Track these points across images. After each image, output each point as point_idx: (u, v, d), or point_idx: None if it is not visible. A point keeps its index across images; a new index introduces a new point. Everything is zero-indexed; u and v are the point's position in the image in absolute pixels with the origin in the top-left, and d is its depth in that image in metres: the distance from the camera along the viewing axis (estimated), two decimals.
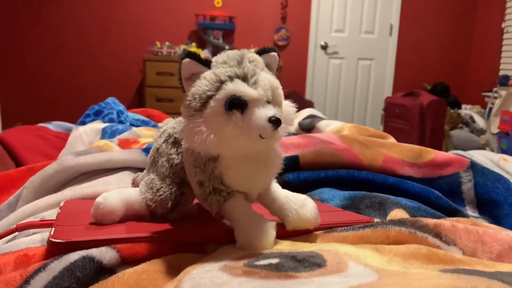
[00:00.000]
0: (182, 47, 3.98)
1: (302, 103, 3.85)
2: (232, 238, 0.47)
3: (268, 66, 0.47)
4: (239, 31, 4.36)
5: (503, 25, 4.24)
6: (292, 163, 0.78)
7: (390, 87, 4.69)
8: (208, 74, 0.44)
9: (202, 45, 4.23)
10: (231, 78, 0.43)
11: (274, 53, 0.47)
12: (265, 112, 0.42)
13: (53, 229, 0.47)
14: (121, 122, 1.40)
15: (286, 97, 0.48)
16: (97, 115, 1.40)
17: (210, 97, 0.42)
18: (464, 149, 2.94)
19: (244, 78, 0.43)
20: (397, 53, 4.64)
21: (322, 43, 4.51)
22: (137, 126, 1.41)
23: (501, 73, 4.21)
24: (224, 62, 0.44)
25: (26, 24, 4.07)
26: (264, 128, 0.42)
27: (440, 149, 3.49)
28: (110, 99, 1.49)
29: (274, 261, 0.40)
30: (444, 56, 4.72)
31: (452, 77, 4.71)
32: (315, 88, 4.59)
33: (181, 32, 4.29)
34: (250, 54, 0.45)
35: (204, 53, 4.05)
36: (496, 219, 0.69)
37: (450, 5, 4.62)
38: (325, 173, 0.77)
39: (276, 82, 0.45)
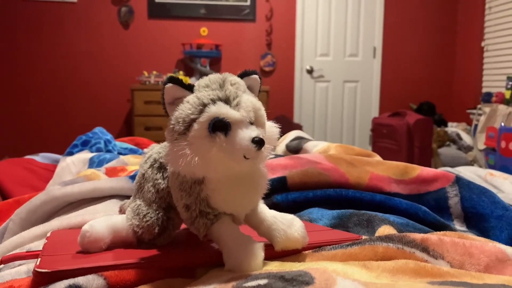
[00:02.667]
0: (170, 75, 4.01)
1: (291, 126, 3.88)
2: (221, 261, 0.47)
3: (250, 88, 0.48)
4: (225, 58, 4.41)
5: (482, 44, 4.35)
6: (280, 184, 0.79)
7: (377, 108, 4.75)
8: (191, 98, 0.44)
9: (189, 73, 4.27)
10: (213, 101, 0.43)
11: (256, 76, 0.48)
12: (248, 133, 0.43)
13: (39, 259, 0.47)
14: (108, 151, 1.40)
15: (275, 121, 0.49)
16: (85, 145, 1.39)
17: (193, 120, 0.43)
18: (453, 166, 2.97)
19: (227, 101, 0.44)
20: (381, 74, 4.72)
21: (308, 67, 4.58)
22: (125, 154, 1.41)
23: (484, 90, 4.30)
24: (206, 85, 0.45)
25: (12, 56, 4.09)
26: (248, 148, 0.42)
27: (429, 167, 3.51)
28: (97, 129, 1.49)
29: (263, 282, 0.40)
30: (428, 76, 4.81)
31: (437, 96, 4.79)
32: (303, 112, 4.63)
33: (168, 60, 4.33)
34: (232, 77, 0.46)
35: (191, 81, 4.07)
36: (483, 232, 0.70)
37: (431, 26, 4.74)
38: (313, 193, 0.77)
39: (259, 104, 0.46)
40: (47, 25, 4.11)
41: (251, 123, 0.44)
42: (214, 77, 0.46)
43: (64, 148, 2.22)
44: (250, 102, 0.45)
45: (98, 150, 1.37)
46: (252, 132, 0.43)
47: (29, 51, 4.11)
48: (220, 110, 0.43)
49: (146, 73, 3.99)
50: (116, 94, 4.27)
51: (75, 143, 1.40)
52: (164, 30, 4.29)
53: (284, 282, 0.39)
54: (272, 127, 0.48)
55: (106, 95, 4.26)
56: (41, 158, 1.43)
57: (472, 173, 1.33)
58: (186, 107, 0.44)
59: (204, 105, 0.43)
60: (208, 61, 4.21)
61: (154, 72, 4.01)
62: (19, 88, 4.13)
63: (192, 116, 0.43)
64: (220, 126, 0.43)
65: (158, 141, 0.61)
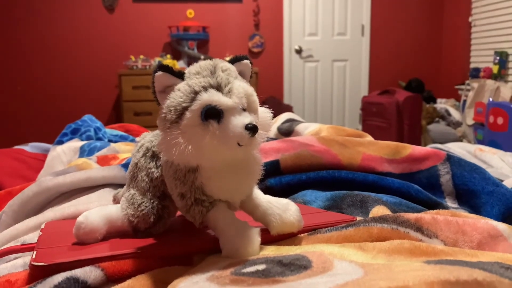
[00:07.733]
0: (157, 59, 3.96)
1: (281, 107, 3.86)
2: (218, 248, 0.47)
3: (241, 74, 0.47)
4: (213, 40, 4.36)
5: (470, 19, 4.35)
6: (273, 168, 0.79)
7: (366, 86, 4.76)
8: (182, 86, 0.44)
9: (177, 56, 4.22)
10: (205, 88, 0.43)
11: (247, 61, 0.48)
12: (241, 120, 0.42)
13: (35, 252, 0.47)
14: (99, 139, 1.39)
15: (265, 102, 0.48)
16: (74, 133, 1.38)
17: (185, 109, 0.42)
18: (442, 143, 2.99)
19: (218, 88, 0.43)
20: (370, 52, 4.71)
21: (297, 47, 4.55)
22: (115, 142, 1.40)
23: (472, 65, 4.32)
24: (197, 72, 0.44)
25: None
26: (241, 135, 0.42)
27: (419, 144, 3.54)
28: (86, 117, 1.47)
29: (261, 267, 0.40)
30: (416, 53, 4.81)
31: (425, 73, 4.80)
32: (292, 92, 4.62)
33: (155, 44, 4.28)
34: (223, 63, 0.45)
35: (179, 64, 4.04)
36: (475, 209, 0.71)
37: (419, 2, 4.72)
38: (306, 175, 0.77)
39: (251, 90, 0.46)
40: (30, 11, 4.02)
41: (244, 110, 0.44)
42: (204, 63, 0.45)
43: (53, 137, 2.19)
44: (242, 88, 0.44)
45: (88, 138, 1.36)
46: (245, 118, 0.43)
47: (12, 39, 4.02)
48: (212, 97, 0.42)
49: (133, 58, 3.94)
50: (103, 80, 4.21)
51: (64, 132, 1.38)
52: (149, 13, 4.22)
53: (282, 267, 0.40)
54: (264, 113, 0.48)
55: (93, 82, 4.21)
56: (30, 148, 1.41)
57: (461, 149, 1.34)
58: (177, 95, 0.43)
59: (196, 93, 0.43)
60: (196, 43, 4.16)
61: (141, 57, 3.95)
62: (5, 77, 4.06)
63: (184, 105, 0.42)
64: (213, 114, 0.42)
65: (148, 126, 0.61)
